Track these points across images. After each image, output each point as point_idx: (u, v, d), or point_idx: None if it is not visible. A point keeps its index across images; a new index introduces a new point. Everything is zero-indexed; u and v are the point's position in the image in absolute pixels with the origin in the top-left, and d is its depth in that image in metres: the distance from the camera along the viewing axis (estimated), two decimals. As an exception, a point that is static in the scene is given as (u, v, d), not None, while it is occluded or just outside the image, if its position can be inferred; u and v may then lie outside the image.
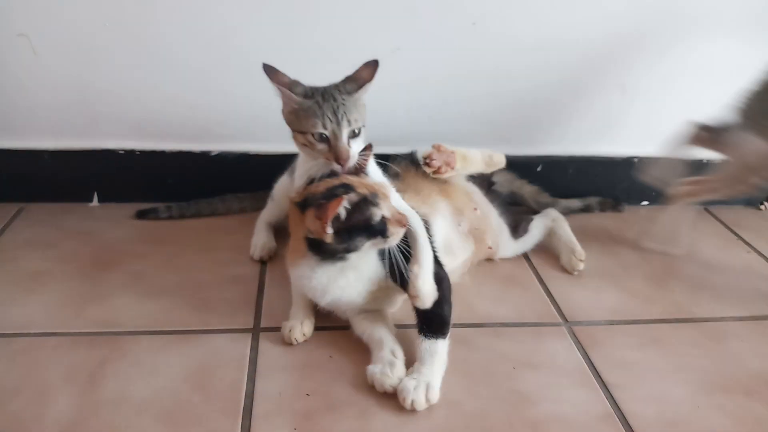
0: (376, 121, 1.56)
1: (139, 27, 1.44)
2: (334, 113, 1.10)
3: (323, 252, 1.07)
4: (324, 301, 1.13)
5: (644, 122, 1.66)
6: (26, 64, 1.45)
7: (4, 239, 1.43)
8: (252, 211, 1.53)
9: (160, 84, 1.50)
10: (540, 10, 1.50)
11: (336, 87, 1.15)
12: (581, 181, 1.69)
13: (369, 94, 1.54)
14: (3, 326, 1.16)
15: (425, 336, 1.08)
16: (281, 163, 1.45)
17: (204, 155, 1.57)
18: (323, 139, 1.12)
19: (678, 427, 1.02)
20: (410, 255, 1.09)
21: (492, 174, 1.49)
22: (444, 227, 1.28)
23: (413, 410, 1.01)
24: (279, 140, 1.54)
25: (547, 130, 1.64)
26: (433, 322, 1.09)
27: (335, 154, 1.11)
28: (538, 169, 1.66)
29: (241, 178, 1.58)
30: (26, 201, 1.58)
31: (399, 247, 1.08)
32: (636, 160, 1.69)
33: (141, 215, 1.53)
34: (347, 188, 1.05)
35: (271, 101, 1.52)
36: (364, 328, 1.15)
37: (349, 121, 1.11)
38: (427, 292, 1.08)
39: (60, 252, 1.39)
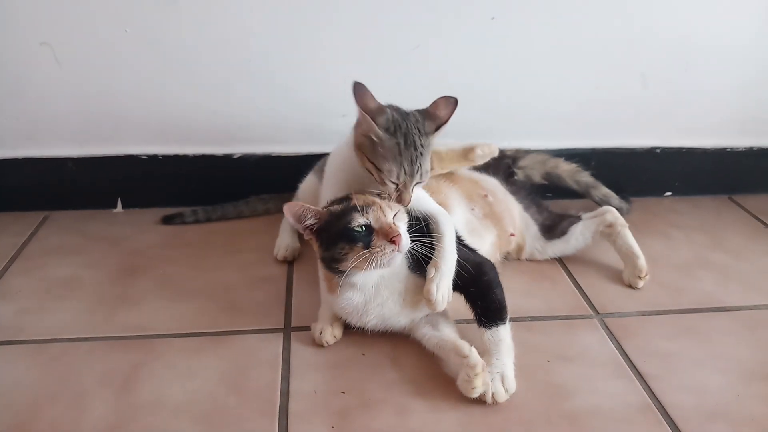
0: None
1: (160, 34, 1.45)
2: (411, 164, 1.06)
3: (330, 269, 1.07)
4: (370, 323, 1.12)
5: (666, 113, 1.65)
6: (49, 73, 1.46)
7: (31, 247, 1.44)
8: (276, 213, 1.53)
9: (181, 89, 1.50)
10: (559, 2, 1.50)
11: (416, 124, 1.09)
12: (604, 174, 1.67)
13: (389, 91, 1.55)
14: (36, 333, 1.17)
15: (485, 326, 1.07)
16: (304, 163, 1.46)
17: (227, 158, 1.57)
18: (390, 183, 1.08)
19: (719, 416, 1.01)
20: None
21: (514, 163, 1.48)
22: (461, 213, 1.27)
23: (495, 403, 1.01)
24: (301, 141, 1.57)
25: (569, 122, 1.63)
26: (489, 309, 1.08)
27: (398, 198, 1.09)
28: (561, 161, 1.65)
29: (264, 179, 1.58)
30: (51, 209, 1.58)
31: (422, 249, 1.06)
32: (658, 150, 1.68)
33: (167, 221, 1.53)
34: (343, 200, 1.06)
35: (292, 103, 1.54)
36: (424, 332, 1.13)
37: (421, 174, 1.09)
38: (439, 298, 1.06)
39: (87, 258, 1.40)
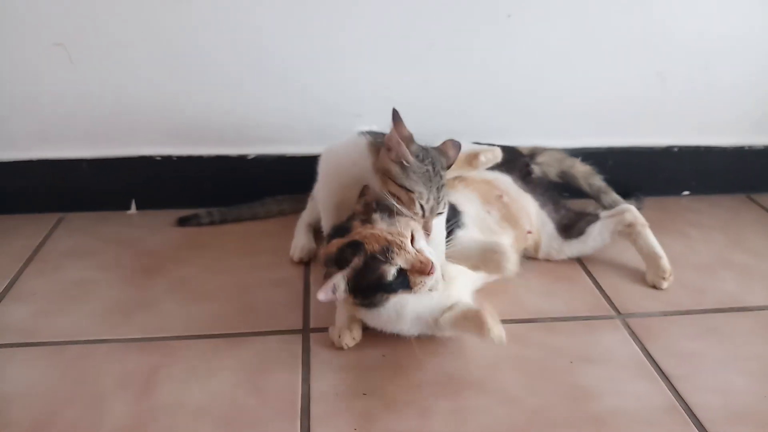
0: (410, 117, 1.55)
1: (173, 34, 1.44)
2: (438, 192, 1.07)
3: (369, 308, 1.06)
4: (406, 328, 1.10)
5: (684, 111, 1.63)
6: (63, 74, 1.45)
7: (46, 249, 1.43)
8: (291, 214, 1.52)
9: (195, 89, 1.49)
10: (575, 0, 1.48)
11: (438, 158, 1.10)
12: (620, 173, 1.66)
13: (405, 90, 1.54)
14: (53, 335, 1.16)
15: None
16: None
17: (241, 159, 1.56)
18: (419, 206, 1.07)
19: (746, 417, 1.00)
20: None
21: (532, 158, 1.48)
22: (476, 215, 1.27)
23: None
24: (315, 141, 1.54)
25: (585, 121, 1.62)
26: None
27: (423, 225, 1.08)
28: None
29: (279, 180, 1.56)
30: (65, 210, 1.58)
31: None
32: (676, 149, 1.66)
33: (182, 222, 1.52)
34: (355, 248, 1.00)
35: (306, 102, 1.53)
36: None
37: (444, 204, 1.10)
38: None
39: (102, 260, 1.39)
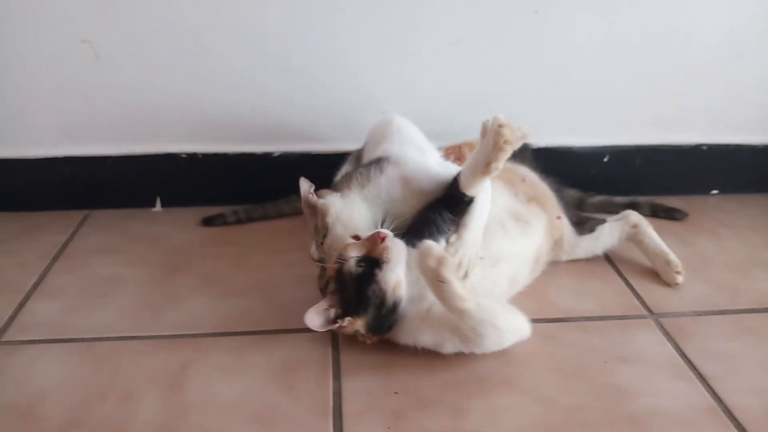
0: (437, 116, 1.55)
1: (199, 33, 1.44)
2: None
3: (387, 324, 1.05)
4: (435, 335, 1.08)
5: (712, 108, 1.61)
6: (89, 70, 1.45)
7: (72, 246, 1.43)
8: (316, 211, 1.51)
9: (220, 87, 1.49)
10: (602, -4, 1.47)
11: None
12: (648, 172, 1.64)
13: (430, 87, 1.53)
14: (83, 331, 1.16)
15: None
16: (343, 161, 1.44)
17: (266, 156, 1.56)
18: None
19: (787, 419, 0.98)
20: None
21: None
22: (503, 199, 1.25)
23: None
24: (340, 138, 1.55)
25: (613, 118, 1.60)
26: None
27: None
28: (605, 159, 1.61)
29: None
30: (91, 208, 1.58)
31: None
32: (705, 147, 1.64)
33: (208, 222, 1.51)
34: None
35: (330, 99, 1.52)
36: None
37: None
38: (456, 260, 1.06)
39: (129, 257, 1.39)
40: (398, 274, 1.02)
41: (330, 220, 1.13)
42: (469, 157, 1.14)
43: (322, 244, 1.14)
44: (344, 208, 1.15)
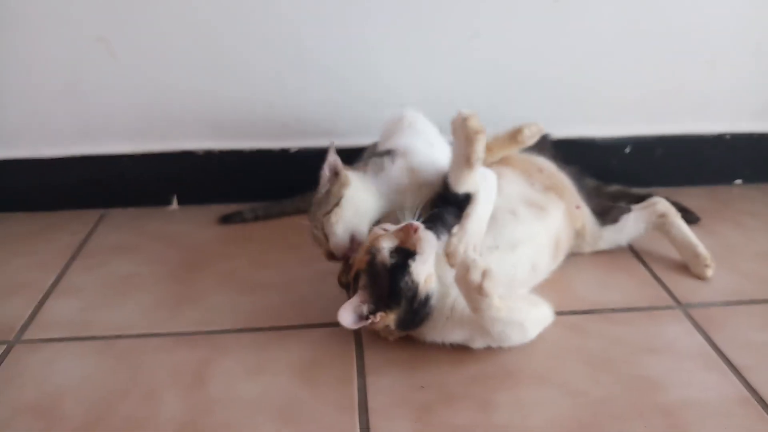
0: (454, 108, 1.52)
1: (213, 29, 1.43)
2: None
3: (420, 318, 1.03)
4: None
5: (735, 96, 1.58)
6: (105, 68, 1.45)
7: (90, 245, 1.42)
8: (334, 207, 1.49)
9: (236, 83, 1.48)
10: (623, -17, 1.44)
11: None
12: (670, 162, 1.61)
13: (449, 81, 1.51)
14: (103, 329, 1.15)
15: None
16: (360, 156, 1.42)
17: (283, 153, 1.55)
18: None
19: (825, 409, 0.95)
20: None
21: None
22: (517, 188, 1.24)
23: None
24: (357, 133, 1.53)
25: (634, 109, 1.57)
26: None
27: None
28: (626, 150, 1.59)
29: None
30: (107, 207, 1.57)
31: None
32: (728, 137, 1.61)
33: (226, 220, 1.50)
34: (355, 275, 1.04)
35: (347, 94, 1.51)
36: None
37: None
38: (461, 249, 1.03)
39: (147, 255, 1.38)
40: (430, 266, 1.01)
41: (348, 192, 1.14)
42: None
43: (327, 214, 1.13)
44: (360, 189, 1.16)
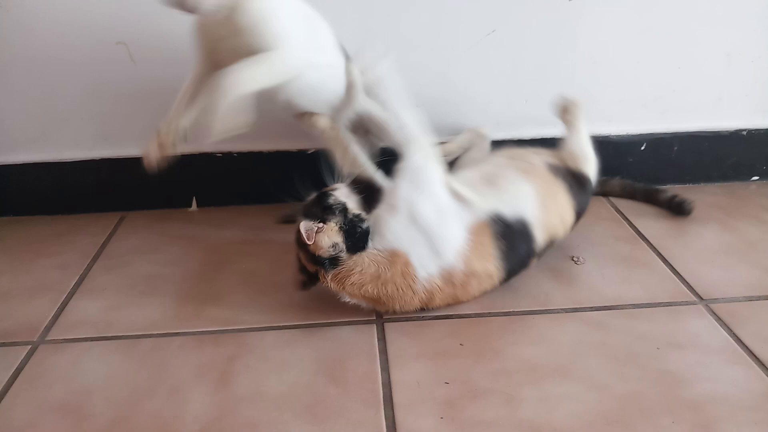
0: (472, 107, 1.53)
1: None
2: None
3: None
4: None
5: (752, 92, 1.58)
6: (124, 72, 1.46)
7: (111, 246, 1.43)
8: (353, 206, 1.50)
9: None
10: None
11: None
12: (686, 159, 1.61)
13: (465, 79, 1.51)
14: (127, 328, 1.16)
15: None
16: (380, 156, 1.43)
17: (301, 153, 1.55)
18: None
19: None
20: None
21: None
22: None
23: None
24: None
25: (649, 105, 1.57)
26: None
27: None
28: (642, 148, 1.59)
29: (340, 174, 1.55)
30: (126, 209, 1.58)
31: None
32: (745, 132, 1.61)
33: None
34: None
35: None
36: None
37: None
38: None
39: (169, 256, 1.39)
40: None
41: None
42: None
43: None
44: None
